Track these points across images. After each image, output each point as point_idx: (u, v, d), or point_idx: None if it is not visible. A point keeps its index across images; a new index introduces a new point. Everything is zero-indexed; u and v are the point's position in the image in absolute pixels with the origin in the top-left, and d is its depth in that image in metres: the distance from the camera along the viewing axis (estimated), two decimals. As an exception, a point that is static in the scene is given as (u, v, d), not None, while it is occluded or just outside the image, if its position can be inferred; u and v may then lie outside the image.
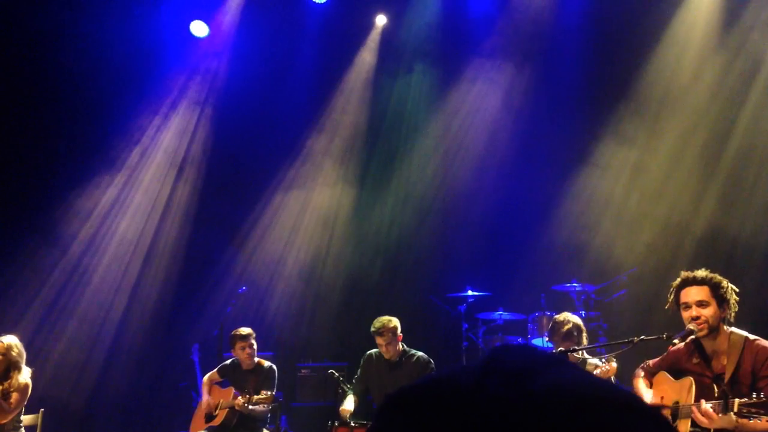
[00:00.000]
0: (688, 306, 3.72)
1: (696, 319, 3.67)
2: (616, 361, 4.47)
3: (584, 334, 5.02)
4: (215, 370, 6.17)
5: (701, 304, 3.67)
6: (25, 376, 5.27)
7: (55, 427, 6.60)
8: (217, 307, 8.08)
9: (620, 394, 0.50)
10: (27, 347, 5.48)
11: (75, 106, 8.23)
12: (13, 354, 5.23)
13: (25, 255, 7.92)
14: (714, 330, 3.68)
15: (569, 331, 4.94)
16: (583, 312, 7.32)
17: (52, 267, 8.10)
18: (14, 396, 5.13)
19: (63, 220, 8.18)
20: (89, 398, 7.89)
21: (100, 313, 8.27)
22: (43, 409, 5.50)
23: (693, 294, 3.71)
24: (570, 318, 5.06)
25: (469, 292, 7.94)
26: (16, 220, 7.91)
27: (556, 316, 5.19)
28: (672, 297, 3.84)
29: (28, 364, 5.37)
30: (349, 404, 5.68)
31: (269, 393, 5.60)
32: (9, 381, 5.16)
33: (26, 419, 5.37)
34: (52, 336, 7.86)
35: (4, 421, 5.12)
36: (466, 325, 8.02)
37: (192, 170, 9.02)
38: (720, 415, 3.42)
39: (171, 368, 8.27)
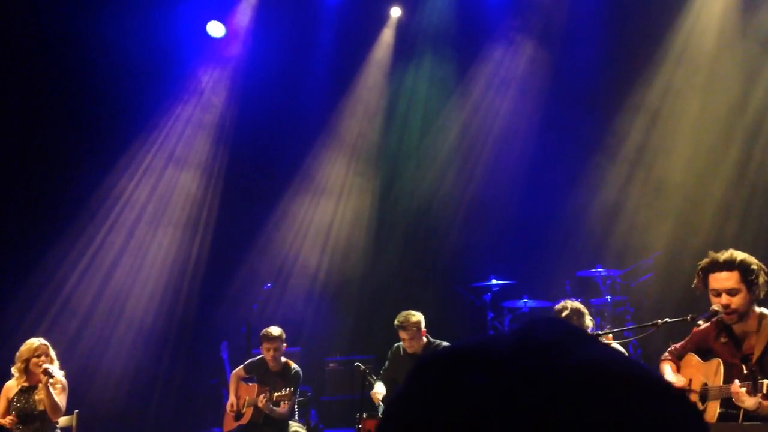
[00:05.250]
0: (718, 293, 3.61)
1: (726, 307, 3.57)
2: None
3: (586, 318, 4.91)
4: (241, 366, 6.20)
5: (731, 292, 3.56)
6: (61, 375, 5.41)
7: (88, 428, 6.72)
8: (244, 305, 8.14)
9: (651, 375, 0.51)
10: (62, 348, 5.60)
11: (96, 109, 8.31)
12: (52, 352, 5.37)
13: (55, 259, 8.05)
14: (744, 315, 3.61)
15: (568, 317, 4.81)
16: (609, 297, 7.27)
17: (84, 270, 8.22)
18: (62, 396, 5.27)
19: (88, 223, 8.29)
20: (121, 398, 8.00)
21: (130, 313, 8.39)
22: (77, 411, 5.60)
23: (723, 281, 3.59)
24: (568, 304, 4.94)
25: (494, 281, 7.92)
26: (41, 223, 8.03)
27: (555, 306, 5.08)
28: (700, 279, 3.72)
29: (61, 365, 5.50)
30: (379, 388, 5.66)
31: (288, 390, 5.62)
32: (55, 378, 5.28)
33: (62, 420, 5.46)
34: (83, 337, 7.99)
35: (55, 419, 5.25)
36: (492, 314, 8.01)
37: (215, 170, 9.09)
38: (751, 395, 3.38)
39: (201, 366, 8.37)
